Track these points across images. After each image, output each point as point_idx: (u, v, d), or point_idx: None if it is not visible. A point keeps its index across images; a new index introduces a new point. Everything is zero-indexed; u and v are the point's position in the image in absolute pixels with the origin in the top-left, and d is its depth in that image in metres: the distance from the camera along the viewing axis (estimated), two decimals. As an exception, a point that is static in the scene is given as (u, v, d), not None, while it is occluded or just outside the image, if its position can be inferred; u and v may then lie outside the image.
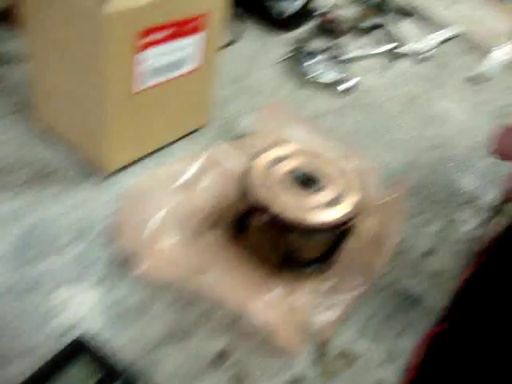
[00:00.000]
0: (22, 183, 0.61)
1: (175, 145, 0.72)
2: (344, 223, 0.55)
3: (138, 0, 0.53)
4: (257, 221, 0.55)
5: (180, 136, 0.72)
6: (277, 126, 0.69)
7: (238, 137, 0.76)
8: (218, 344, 0.51)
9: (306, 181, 0.58)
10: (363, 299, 0.58)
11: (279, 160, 0.59)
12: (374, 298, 0.59)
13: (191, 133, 0.74)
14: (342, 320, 0.55)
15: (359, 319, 0.56)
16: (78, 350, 0.45)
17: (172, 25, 0.58)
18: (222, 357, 0.50)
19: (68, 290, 0.52)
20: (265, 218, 0.54)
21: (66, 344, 0.45)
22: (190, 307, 0.53)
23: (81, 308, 0.51)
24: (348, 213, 0.55)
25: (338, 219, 0.55)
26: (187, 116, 0.70)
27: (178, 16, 0.59)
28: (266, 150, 0.60)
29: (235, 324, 0.53)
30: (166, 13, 0.57)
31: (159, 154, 0.70)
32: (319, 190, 0.57)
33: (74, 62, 0.58)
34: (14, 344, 0.47)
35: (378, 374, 0.52)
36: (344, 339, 0.54)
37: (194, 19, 0.61)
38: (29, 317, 0.49)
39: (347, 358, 0.53)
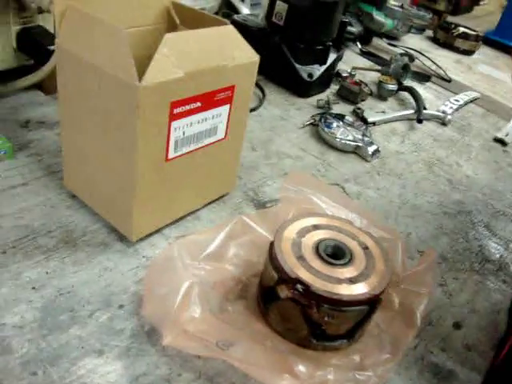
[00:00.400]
0: (49, 248, 0.61)
1: (202, 211, 0.72)
2: (373, 297, 0.54)
3: (171, 73, 0.54)
4: (285, 293, 0.54)
5: (207, 202, 0.72)
6: (302, 193, 0.69)
7: (263, 203, 0.76)
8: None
9: (333, 254, 0.58)
10: (392, 375, 0.56)
11: (306, 231, 0.59)
12: (404, 373, 0.57)
13: (217, 198, 0.74)
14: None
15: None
16: None
17: (202, 96, 0.60)
18: None
19: (92, 360, 0.50)
20: (295, 289, 0.53)
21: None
22: (215, 382, 0.51)
23: (105, 380, 0.49)
24: (377, 287, 0.54)
25: (368, 293, 0.53)
26: (215, 183, 0.71)
27: (208, 88, 0.60)
28: (293, 220, 0.60)
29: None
30: (196, 85, 0.58)
31: (186, 219, 0.70)
32: (347, 263, 0.56)
33: (105, 130, 0.59)
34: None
35: None
36: None
37: (223, 90, 0.62)
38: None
39: None
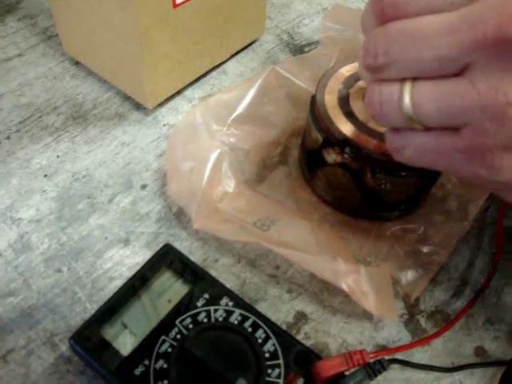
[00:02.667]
0: (57, 128, 0.52)
1: (228, 63, 0.59)
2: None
3: None
4: (333, 157, 0.44)
5: (233, 52, 0.59)
6: (347, 32, 0.54)
7: (301, 47, 0.61)
8: (295, 305, 0.42)
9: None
10: (460, 244, 0.46)
11: (356, 79, 0.46)
12: (473, 241, 0.47)
13: (245, 47, 0.61)
14: (433, 275, 0.44)
15: (452, 274, 0.45)
16: (168, 256, 0.41)
17: None
18: (299, 320, 0.42)
19: (118, 251, 0.44)
20: (344, 153, 0.42)
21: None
22: (258, 265, 0.44)
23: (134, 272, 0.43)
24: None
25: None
26: (240, 27, 0.57)
27: None
28: (337, 66, 0.47)
29: (311, 284, 0.43)
30: None
31: (210, 76, 0.58)
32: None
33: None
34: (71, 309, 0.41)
35: (476, 339, 0.42)
36: (436, 298, 0.44)
37: None
38: (82, 283, 0.42)
39: (441, 319, 0.43)
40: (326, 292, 0.43)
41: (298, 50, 0.61)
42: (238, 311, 0.38)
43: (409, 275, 0.43)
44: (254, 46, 0.61)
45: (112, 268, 0.43)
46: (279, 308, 0.42)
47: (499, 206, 0.50)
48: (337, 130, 0.42)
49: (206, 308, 0.38)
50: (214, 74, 0.57)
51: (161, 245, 0.43)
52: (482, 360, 0.40)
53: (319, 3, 0.68)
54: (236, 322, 0.37)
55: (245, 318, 0.37)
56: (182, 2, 0.46)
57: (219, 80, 0.57)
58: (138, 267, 0.42)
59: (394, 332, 0.42)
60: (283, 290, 0.43)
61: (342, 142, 0.42)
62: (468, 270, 0.45)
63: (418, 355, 0.40)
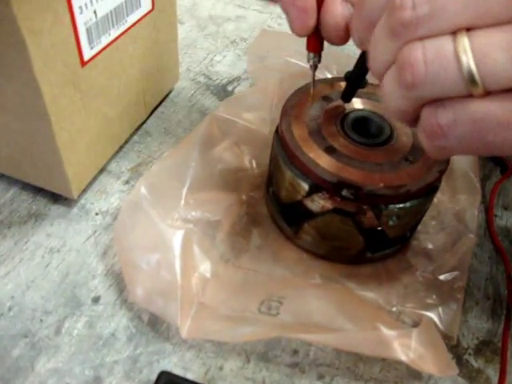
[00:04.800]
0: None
1: (149, 122, 0.49)
2: (443, 172, 0.37)
3: None
4: (321, 204, 0.36)
5: (153, 108, 0.49)
6: (279, 58, 0.46)
7: (223, 87, 0.53)
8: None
9: (368, 130, 0.38)
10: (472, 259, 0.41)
11: (319, 108, 0.39)
12: (479, 254, 0.42)
13: (162, 100, 0.51)
14: (462, 303, 0.38)
15: (477, 295, 0.39)
16: None
17: None
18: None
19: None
20: (339, 197, 0.35)
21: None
22: (273, 358, 0.34)
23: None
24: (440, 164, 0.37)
25: (437, 171, 0.35)
26: (155, 78, 0.47)
27: None
28: (293, 97, 0.39)
29: (341, 360, 0.35)
30: None
31: (132, 141, 0.47)
32: (390, 137, 0.37)
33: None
34: None
35: None
36: (475, 328, 0.37)
37: None
38: None
39: (490, 352, 0.37)
40: (360, 364, 0.35)
41: (221, 89, 0.52)
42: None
43: (441, 313, 0.37)
44: (171, 96, 0.51)
45: (88, 425, 0.31)
46: (315, 401, 0.33)
47: (486, 207, 0.46)
48: (325, 171, 0.35)
49: None
50: (136, 138, 0.47)
51: (145, 371, 0.32)
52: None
53: (224, 36, 0.60)
54: None
55: None
56: (91, 58, 0.36)
57: (144, 144, 0.46)
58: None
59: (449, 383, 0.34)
60: (313, 378, 0.33)
61: (336, 185, 0.34)
62: (490, 286, 0.40)
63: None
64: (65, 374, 0.32)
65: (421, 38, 0.23)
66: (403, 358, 0.30)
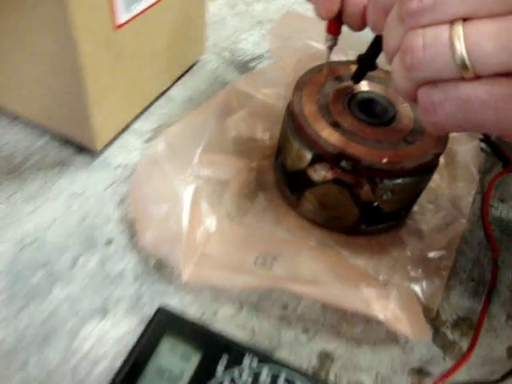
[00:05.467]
0: (-12, 187, 0.42)
1: (173, 89, 0.52)
2: (439, 155, 0.39)
3: None
4: (322, 174, 0.38)
5: (177, 76, 0.52)
6: (299, 41, 0.49)
7: (245, 63, 0.56)
8: (315, 346, 0.36)
9: (372, 110, 0.41)
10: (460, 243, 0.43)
11: (330, 86, 0.41)
12: (470, 237, 0.44)
13: (187, 70, 0.54)
14: (445, 281, 0.40)
15: (462, 276, 0.42)
16: (165, 321, 0.33)
17: None
18: (324, 361, 0.36)
19: (97, 325, 0.35)
20: (339, 168, 0.37)
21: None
22: (263, 309, 0.38)
23: (122, 346, 0.35)
24: (439, 143, 0.39)
25: (433, 153, 0.38)
26: (182, 48, 0.50)
27: None
28: (307, 75, 0.42)
29: (326, 317, 0.38)
30: None
31: (156, 105, 0.50)
32: (393, 119, 0.40)
33: (18, 15, 0.36)
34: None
35: (504, 339, 0.38)
36: (455, 305, 0.40)
37: None
38: (58, 375, 0.33)
39: (466, 327, 0.39)
40: (343, 322, 0.37)
41: (243, 65, 0.55)
42: (265, 369, 0.31)
43: (424, 286, 0.39)
44: (195, 68, 0.54)
45: (93, 348, 0.34)
46: (299, 353, 0.36)
47: (483, 197, 0.48)
48: (327, 143, 0.37)
49: (229, 374, 0.31)
50: (160, 102, 0.50)
51: (147, 307, 0.36)
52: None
53: (251, 16, 0.63)
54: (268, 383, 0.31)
55: (275, 377, 0.31)
56: (125, 23, 0.39)
57: (167, 108, 0.50)
58: (125, 340, 0.34)
59: (424, 351, 0.37)
60: (298, 331, 0.37)
61: (336, 156, 0.37)
62: (475, 269, 0.42)
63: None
64: (76, 302, 0.36)
65: (423, 26, 0.26)
66: (380, 316, 0.33)
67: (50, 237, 0.39)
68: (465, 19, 0.25)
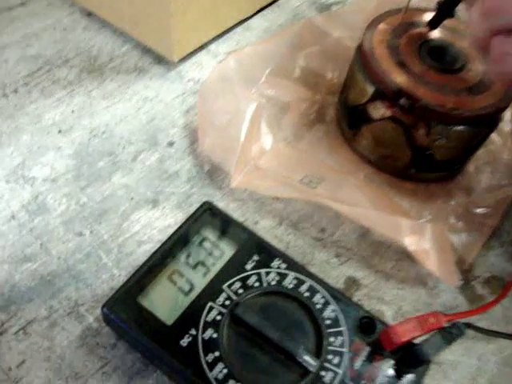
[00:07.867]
0: (70, 82, 0.45)
1: (252, 19, 0.53)
2: (501, 110, 0.38)
3: None
4: (381, 111, 0.39)
5: (259, 8, 0.53)
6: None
7: (328, 6, 0.55)
8: (345, 270, 0.37)
9: (442, 57, 0.40)
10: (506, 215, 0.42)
11: (403, 30, 0.41)
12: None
13: (270, 3, 0.54)
14: (486, 239, 0.40)
15: (505, 238, 0.40)
16: (209, 214, 0.35)
17: None
18: (350, 286, 0.37)
19: (146, 213, 0.38)
20: (397, 106, 0.37)
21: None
22: (302, 228, 0.39)
23: (166, 235, 0.37)
24: (503, 98, 0.38)
25: (495, 106, 0.37)
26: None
27: None
28: (383, 17, 0.42)
29: (360, 248, 0.39)
30: None
31: (234, 31, 0.51)
32: (461, 68, 0.39)
33: None
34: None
35: None
36: (491, 263, 0.39)
37: None
38: (107, 247, 0.36)
39: (498, 286, 0.39)
40: (376, 256, 0.38)
41: (325, 8, 0.55)
42: (292, 274, 0.33)
43: (462, 238, 0.39)
44: (279, 2, 0.55)
45: (140, 231, 0.37)
46: (328, 273, 0.37)
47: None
48: (390, 80, 0.37)
49: (257, 271, 0.32)
50: (238, 29, 0.51)
51: (194, 206, 0.38)
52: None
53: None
54: (291, 287, 0.32)
55: (300, 282, 0.32)
56: None
57: (244, 36, 0.51)
58: (169, 230, 0.37)
59: (450, 298, 0.37)
60: (331, 255, 0.38)
61: (396, 93, 0.37)
62: (520, 235, 0.41)
63: (477, 323, 0.36)
64: (132, 190, 0.39)
65: None
66: (411, 247, 0.34)
67: (119, 131, 0.42)
68: None
